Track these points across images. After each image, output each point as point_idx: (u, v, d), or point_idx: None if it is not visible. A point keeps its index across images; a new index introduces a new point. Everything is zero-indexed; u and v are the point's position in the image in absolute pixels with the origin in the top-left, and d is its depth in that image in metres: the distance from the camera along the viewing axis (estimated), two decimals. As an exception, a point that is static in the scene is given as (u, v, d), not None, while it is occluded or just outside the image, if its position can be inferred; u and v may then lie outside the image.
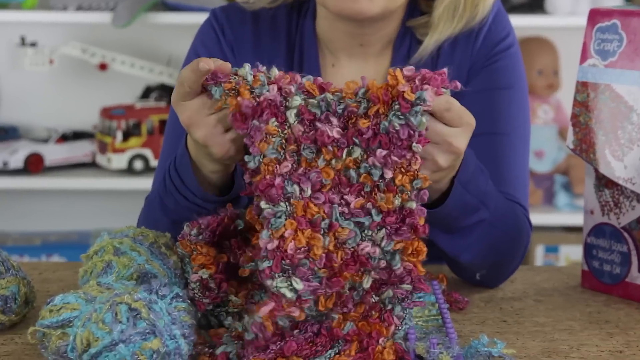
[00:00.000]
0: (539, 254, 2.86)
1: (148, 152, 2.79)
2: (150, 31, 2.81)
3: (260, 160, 1.06)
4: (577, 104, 1.33)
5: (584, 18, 2.59)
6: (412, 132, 1.05)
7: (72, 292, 1.09)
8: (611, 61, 1.30)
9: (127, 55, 2.81)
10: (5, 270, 1.19)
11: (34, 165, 2.76)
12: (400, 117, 1.05)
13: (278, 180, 1.05)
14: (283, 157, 1.06)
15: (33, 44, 2.81)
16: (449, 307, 1.24)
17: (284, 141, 1.06)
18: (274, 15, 1.48)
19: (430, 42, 1.42)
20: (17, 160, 2.74)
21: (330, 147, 1.07)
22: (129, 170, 2.77)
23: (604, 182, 1.33)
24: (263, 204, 1.05)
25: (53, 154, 2.79)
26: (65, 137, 2.83)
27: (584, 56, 1.33)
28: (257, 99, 1.07)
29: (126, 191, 2.76)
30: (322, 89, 1.09)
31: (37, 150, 2.77)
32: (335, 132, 1.06)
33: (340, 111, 1.07)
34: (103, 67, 2.81)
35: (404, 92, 1.05)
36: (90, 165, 2.84)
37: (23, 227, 2.97)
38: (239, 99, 1.07)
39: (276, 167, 1.06)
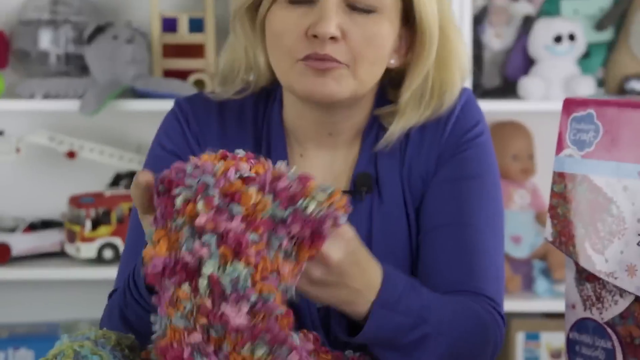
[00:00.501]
0: (519, 342, 2.78)
1: (118, 241, 2.72)
2: (119, 118, 2.75)
3: (167, 324, 0.98)
4: (555, 195, 1.28)
5: (556, 103, 2.60)
6: None
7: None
8: (588, 152, 1.26)
9: (96, 143, 2.75)
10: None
11: (0, 255, 2.70)
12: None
13: (187, 353, 0.97)
14: (193, 326, 0.97)
15: (0, 133, 2.77)
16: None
17: (195, 309, 0.98)
18: (241, 105, 1.45)
19: (396, 129, 1.39)
20: None
21: (233, 335, 0.98)
22: (99, 260, 2.70)
23: (584, 276, 1.28)
24: None
25: (20, 243, 2.72)
26: (33, 227, 2.76)
27: (560, 146, 1.29)
28: (176, 255, 0.99)
29: (96, 281, 2.67)
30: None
31: (4, 240, 2.71)
32: (242, 319, 0.98)
33: (253, 299, 0.99)
34: (71, 155, 2.75)
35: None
36: (59, 255, 2.77)
37: None
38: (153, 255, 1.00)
39: (184, 336, 0.97)
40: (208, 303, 0.96)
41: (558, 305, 2.59)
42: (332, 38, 1.30)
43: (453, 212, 1.35)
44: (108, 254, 2.70)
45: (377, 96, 1.43)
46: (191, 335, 0.96)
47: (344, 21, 1.31)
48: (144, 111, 2.62)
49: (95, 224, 2.70)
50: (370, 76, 1.35)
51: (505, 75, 2.79)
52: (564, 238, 1.27)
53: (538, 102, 2.67)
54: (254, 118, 1.44)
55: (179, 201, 0.99)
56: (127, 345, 1.13)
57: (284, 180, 1.02)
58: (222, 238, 0.98)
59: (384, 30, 1.34)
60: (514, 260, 2.78)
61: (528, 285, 2.77)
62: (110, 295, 1.35)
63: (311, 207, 1.01)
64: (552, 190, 1.29)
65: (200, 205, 0.99)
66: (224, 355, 0.97)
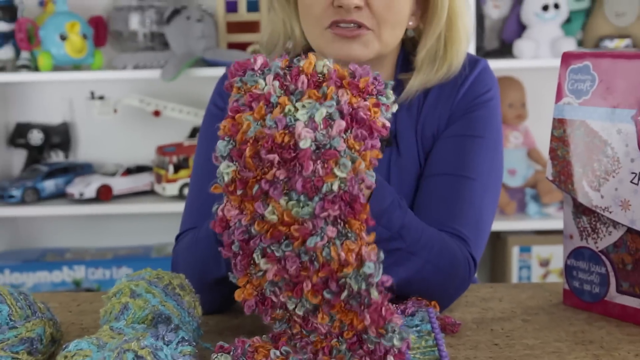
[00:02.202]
0: (514, 254, 2.60)
1: (196, 181, 2.55)
2: (193, 83, 2.58)
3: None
4: (555, 139, 1.08)
5: (545, 60, 2.42)
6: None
7: (86, 338, 0.85)
8: (585, 99, 1.05)
9: (176, 103, 2.61)
10: (32, 313, 0.95)
11: (104, 194, 2.56)
12: None
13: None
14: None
15: (101, 97, 2.63)
16: (443, 331, 0.99)
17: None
18: None
19: (414, 84, 1.21)
20: (90, 191, 2.54)
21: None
22: (180, 197, 2.56)
23: (581, 210, 1.08)
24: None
25: (120, 184, 2.59)
26: (129, 171, 2.62)
27: (559, 95, 1.08)
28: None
29: (178, 213, 2.49)
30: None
31: (107, 182, 2.57)
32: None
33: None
34: (157, 113, 2.62)
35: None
36: (150, 193, 2.64)
37: (98, 244, 2.79)
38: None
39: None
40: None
41: (546, 224, 2.51)
42: (357, 7, 1.13)
43: (452, 163, 1.17)
44: (187, 191, 2.53)
45: (401, 63, 1.24)
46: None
47: None
48: (212, 77, 2.46)
49: (177, 168, 2.56)
50: (393, 38, 1.18)
51: (502, 38, 2.62)
52: (563, 177, 1.07)
53: (529, 60, 2.48)
54: None
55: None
56: (177, 284, 0.96)
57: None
58: None
59: None
60: (510, 188, 2.62)
61: (521, 209, 2.61)
62: (177, 238, 1.17)
63: (335, 187, 0.80)
64: (552, 134, 1.09)
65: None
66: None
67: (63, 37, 2.46)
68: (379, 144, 0.82)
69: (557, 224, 2.48)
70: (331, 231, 0.78)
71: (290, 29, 1.25)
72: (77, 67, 2.54)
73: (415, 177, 1.20)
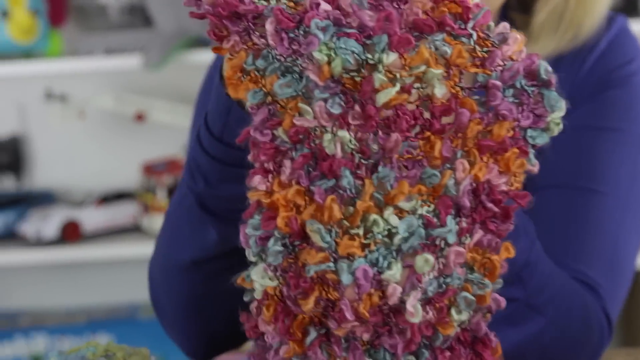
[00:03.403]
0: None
1: (196, 210, 2.00)
2: (189, 72, 2.07)
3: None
4: None
5: None
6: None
7: None
8: None
9: (166, 102, 2.15)
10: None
11: (71, 234, 2.08)
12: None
13: None
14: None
15: (62, 98, 2.19)
16: None
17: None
18: None
19: None
20: (51, 229, 2.07)
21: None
22: (176, 233, 1.97)
23: None
24: None
25: (92, 219, 2.11)
26: (105, 200, 2.17)
27: None
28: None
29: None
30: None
31: (74, 216, 2.08)
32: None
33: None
34: (140, 117, 2.14)
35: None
36: (134, 230, 2.20)
37: (65, 303, 2.35)
38: None
39: None
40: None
41: None
42: None
43: (573, 170, 0.92)
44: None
45: (498, 21, 0.90)
46: None
47: None
48: (214, 63, 1.94)
49: (170, 192, 2.12)
50: None
51: None
52: None
53: None
54: None
55: None
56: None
57: None
58: None
59: None
60: None
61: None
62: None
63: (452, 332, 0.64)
64: None
65: None
66: None
67: (3, 14, 2.10)
68: (511, 228, 0.61)
69: None
70: None
71: None
72: (26, 55, 2.16)
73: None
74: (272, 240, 0.57)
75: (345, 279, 0.56)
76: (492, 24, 0.60)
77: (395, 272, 0.56)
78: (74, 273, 2.30)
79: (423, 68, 0.55)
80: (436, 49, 0.55)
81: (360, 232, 0.55)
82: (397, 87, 0.55)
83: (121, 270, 2.28)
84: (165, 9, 2.03)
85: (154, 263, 0.92)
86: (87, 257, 2.07)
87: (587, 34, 0.97)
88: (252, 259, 0.59)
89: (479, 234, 0.61)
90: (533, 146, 0.60)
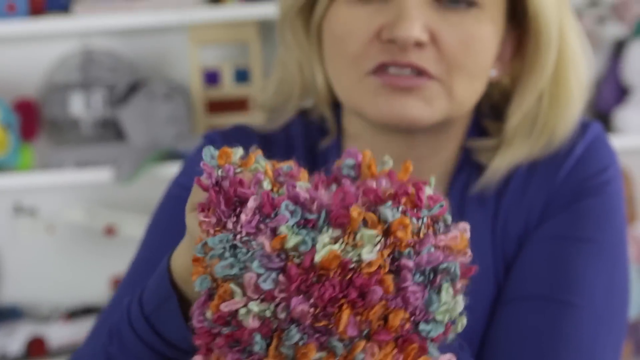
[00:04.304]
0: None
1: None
2: (161, 186, 2.07)
3: None
4: None
5: None
6: None
7: None
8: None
9: (138, 216, 2.10)
10: None
11: (36, 349, 2.01)
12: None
13: None
14: None
15: (31, 212, 2.16)
16: None
17: None
18: (288, 137, 1.01)
19: (501, 165, 0.93)
20: (16, 345, 2.01)
21: None
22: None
23: None
24: None
25: (58, 335, 2.04)
26: (72, 315, 2.09)
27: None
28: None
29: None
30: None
31: (40, 332, 2.01)
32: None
33: None
34: (110, 231, 2.10)
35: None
36: None
37: None
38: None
39: None
40: None
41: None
42: (418, 44, 0.86)
43: (550, 282, 0.88)
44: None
45: (470, 128, 0.97)
46: None
47: (433, 20, 0.86)
48: (186, 177, 1.88)
49: None
50: (469, 92, 0.90)
51: (597, 108, 2.01)
52: None
53: (636, 136, 1.90)
54: (309, 153, 0.99)
55: None
56: None
57: None
58: None
59: (486, 32, 0.89)
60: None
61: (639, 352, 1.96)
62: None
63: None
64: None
65: None
66: None
67: (-26, 128, 2.04)
68: None
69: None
70: None
71: (310, 76, 0.99)
72: (-4, 168, 2.11)
73: (490, 303, 0.93)
74: None
75: None
76: (448, 216, 0.61)
77: None
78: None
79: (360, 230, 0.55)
80: (380, 215, 0.56)
81: None
82: (336, 247, 0.55)
83: (87, 388, 2.16)
84: (139, 123, 2.02)
85: None
86: (53, 375, 1.96)
87: (561, 140, 0.95)
88: None
89: None
90: (432, 340, 0.59)
